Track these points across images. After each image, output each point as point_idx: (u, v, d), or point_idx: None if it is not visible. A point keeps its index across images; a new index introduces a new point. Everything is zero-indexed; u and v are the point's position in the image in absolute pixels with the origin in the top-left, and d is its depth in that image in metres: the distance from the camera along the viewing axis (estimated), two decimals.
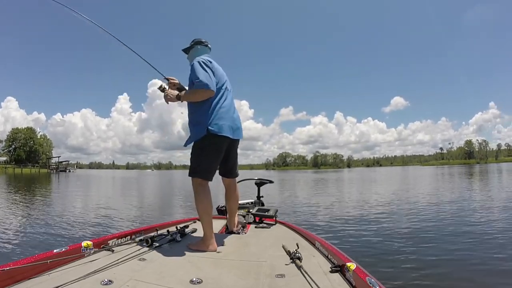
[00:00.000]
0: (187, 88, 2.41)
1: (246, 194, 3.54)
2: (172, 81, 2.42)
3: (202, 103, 2.14)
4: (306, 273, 1.45)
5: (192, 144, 2.22)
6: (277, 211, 2.90)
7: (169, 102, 2.31)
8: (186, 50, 2.44)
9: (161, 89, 2.42)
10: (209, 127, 2.11)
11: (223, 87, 2.25)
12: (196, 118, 2.17)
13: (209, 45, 2.41)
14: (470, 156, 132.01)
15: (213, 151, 2.17)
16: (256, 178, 3.56)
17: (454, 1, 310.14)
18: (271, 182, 3.60)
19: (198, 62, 2.16)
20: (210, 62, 2.22)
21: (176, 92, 2.28)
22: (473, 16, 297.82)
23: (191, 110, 2.23)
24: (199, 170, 2.17)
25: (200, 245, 2.01)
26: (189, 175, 2.19)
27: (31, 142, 73.85)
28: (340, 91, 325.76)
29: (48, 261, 1.51)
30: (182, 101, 2.26)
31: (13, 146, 73.52)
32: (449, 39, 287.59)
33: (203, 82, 2.06)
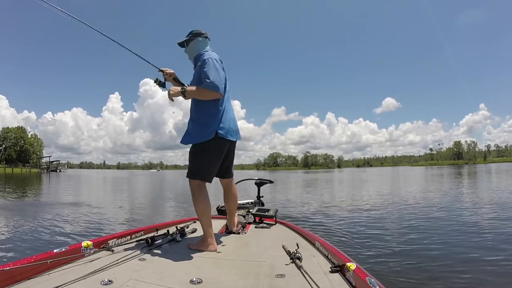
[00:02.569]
0: (185, 81, 2.35)
1: (246, 194, 3.53)
2: (167, 71, 2.33)
3: (210, 104, 2.08)
4: (306, 273, 1.46)
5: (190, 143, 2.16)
6: (277, 211, 2.90)
7: (173, 99, 2.14)
8: (184, 43, 2.27)
9: (158, 83, 2.30)
10: (219, 131, 2.07)
11: (227, 89, 2.20)
12: (204, 120, 2.10)
13: (208, 37, 2.28)
14: (459, 157, 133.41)
15: (216, 154, 2.13)
16: (256, 178, 3.56)
17: (447, 4, 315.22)
18: (271, 182, 3.61)
19: (211, 59, 2.07)
20: (221, 62, 2.15)
21: (178, 88, 2.11)
22: (465, 20, 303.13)
23: (198, 110, 2.14)
24: (200, 172, 2.11)
25: (200, 245, 2.00)
26: (188, 176, 2.14)
27: (22, 142, 72.59)
28: (332, 91, 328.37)
29: (48, 261, 1.50)
30: (187, 98, 2.13)
31: (3, 146, 72.21)
32: (441, 41, 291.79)
33: (213, 83, 1.99)
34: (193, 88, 2.10)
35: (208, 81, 1.99)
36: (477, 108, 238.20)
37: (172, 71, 2.35)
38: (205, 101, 2.10)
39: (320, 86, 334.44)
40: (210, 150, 2.10)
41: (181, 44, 2.28)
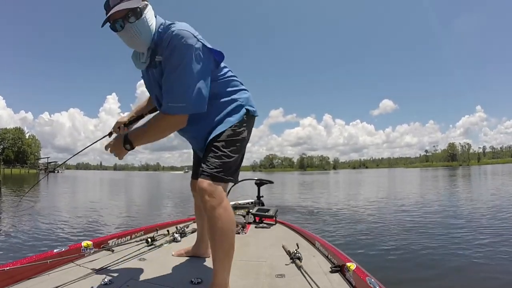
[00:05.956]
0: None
1: (245, 194, 3.53)
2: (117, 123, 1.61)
3: (225, 77, 1.43)
4: (306, 273, 1.46)
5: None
6: (277, 211, 2.90)
7: (121, 157, 1.41)
8: (122, 18, 1.21)
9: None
10: (247, 107, 1.45)
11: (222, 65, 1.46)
12: (228, 98, 1.41)
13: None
14: (453, 159, 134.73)
15: (247, 139, 1.48)
16: (255, 178, 3.56)
17: (445, 6, 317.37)
18: (271, 182, 3.60)
19: (194, 52, 1.23)
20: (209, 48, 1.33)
21: (119, 143, 1.35)
22: (463, 22, 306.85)
23: (214, 93, 1.36)
24: (235, 170, 1.41)
25: None
26: (217, 179, 1.28)
27: (20, 143, 72.36)
28: (330, 93, 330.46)
29: (48, 261, 1.50)
30: (134, 147, 1.34)
31: (1, 147, 72.01)
32: (438, 44, 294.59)
33: (182, 102, 1.23)
34: (143, 129, 1.36)
35: (178, 97, 1.24)
36: (473, 110, 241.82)
37: (123, 119, 1.62)
38: (214, 91, 1.36)
39: (317, 87, 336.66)
40: (246, 137, 1.45)
41: (113, 20, 1.22)
